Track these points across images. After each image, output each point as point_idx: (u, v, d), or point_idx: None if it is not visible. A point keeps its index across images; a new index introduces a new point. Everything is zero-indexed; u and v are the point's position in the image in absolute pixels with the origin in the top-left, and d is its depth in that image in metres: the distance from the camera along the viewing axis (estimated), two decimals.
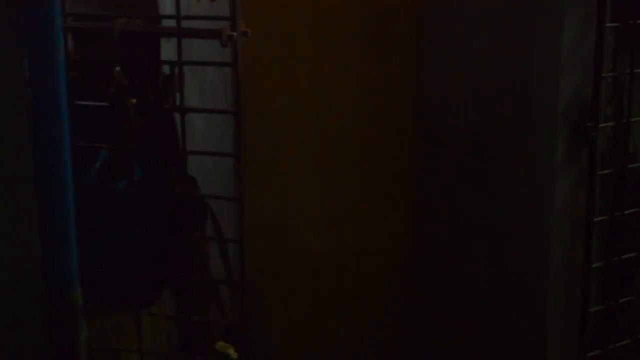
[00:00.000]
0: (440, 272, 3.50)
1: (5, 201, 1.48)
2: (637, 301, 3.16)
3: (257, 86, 2.96)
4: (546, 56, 2.95)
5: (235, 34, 1.96)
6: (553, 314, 3.11)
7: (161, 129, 2.38)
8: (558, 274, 3.07)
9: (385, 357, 3.60)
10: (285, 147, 3.25)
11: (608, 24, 2.87)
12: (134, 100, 2.12)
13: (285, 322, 3.31)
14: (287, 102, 3.27)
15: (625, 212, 3.03)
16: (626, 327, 3.16)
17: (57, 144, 1.51)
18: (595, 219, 2.95)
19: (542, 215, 3.04)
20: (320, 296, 3.40)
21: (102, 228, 2.12)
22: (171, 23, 2.06)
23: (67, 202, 1.52)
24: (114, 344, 2.29)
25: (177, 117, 2.27)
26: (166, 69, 2.19)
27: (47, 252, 1.50)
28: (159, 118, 2.34)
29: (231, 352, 2.42)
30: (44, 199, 1.50)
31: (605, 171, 3.01)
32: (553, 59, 2.92)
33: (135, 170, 2.26)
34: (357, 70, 3.38)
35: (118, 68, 2.07)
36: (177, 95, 2.14)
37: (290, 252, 3.30)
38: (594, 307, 3.02)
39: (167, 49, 2.26)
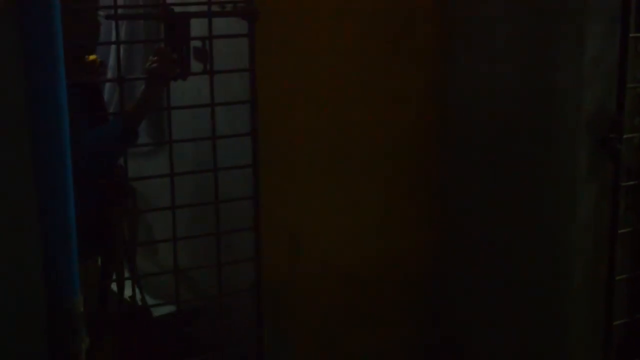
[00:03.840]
0: (463, 284, 3.48)
1: (6, 208, 1.50)
2: None
3: (277, 89, 3.01)
4: (569, 66, 2.92)
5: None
6: (577, 326, 3.07)
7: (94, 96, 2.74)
8: (582, 286, 3.03)
9: None
10: (306, 156, 3.25)
11: (632, 34, 2.84)
12: (178, 70, 2.47)
13: (306, 332, 3.30)
14: (308, 108, 3.25)
15: None
16: None
17: (58, 144, 1.51)
18: (620, 231, 2.92)
19: (566, 227, 3.01)
20: (341, 305, 3.39)
21: None
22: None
23: (68, 210, 1.54)
24: None
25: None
26: None
27: (47, 261, 1.52)
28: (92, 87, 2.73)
29: None
30: (45, 206, 1.52)
31: (630, 183, 2.98)
32: (576, 70, 2.89)
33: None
34: (380, 78, 3.36)
35: (162, 44, 2.46)
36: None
37: (312, 262, 3.30)
38: (619, 319, 2.99)
39: None
